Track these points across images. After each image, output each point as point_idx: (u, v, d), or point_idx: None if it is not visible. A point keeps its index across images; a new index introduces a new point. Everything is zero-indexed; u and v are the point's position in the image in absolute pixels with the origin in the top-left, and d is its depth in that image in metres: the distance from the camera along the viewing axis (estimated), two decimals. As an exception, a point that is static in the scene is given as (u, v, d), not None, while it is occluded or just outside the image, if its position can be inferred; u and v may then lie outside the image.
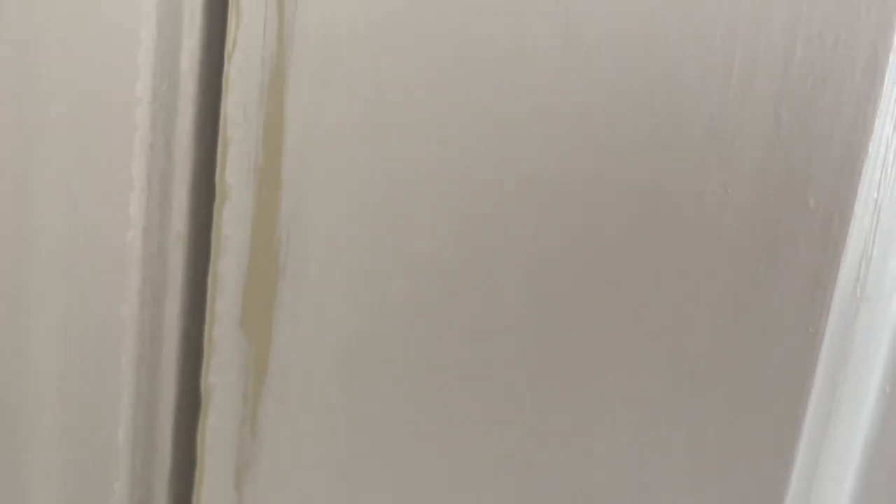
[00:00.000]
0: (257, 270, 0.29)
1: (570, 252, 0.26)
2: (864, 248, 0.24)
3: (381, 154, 0.27)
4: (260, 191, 0.29)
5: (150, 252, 0.28)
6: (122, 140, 0.27)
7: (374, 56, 0.27)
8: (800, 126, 0.23)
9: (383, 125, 0.27)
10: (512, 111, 0.26)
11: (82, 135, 0.27)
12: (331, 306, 0.29)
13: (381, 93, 0.27)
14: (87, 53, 0.27)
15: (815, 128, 0.23)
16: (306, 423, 0.30)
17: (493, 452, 0.28)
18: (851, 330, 0.24)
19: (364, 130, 0.27)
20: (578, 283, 0.26)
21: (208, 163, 0.29)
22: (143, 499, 0.31)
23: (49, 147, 0.27)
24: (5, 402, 0.30)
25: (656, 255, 0.25)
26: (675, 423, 0.26)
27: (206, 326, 0.30)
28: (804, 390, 0.24)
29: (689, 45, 0.24)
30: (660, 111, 0.24)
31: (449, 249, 0.28)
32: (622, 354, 0.26)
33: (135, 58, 0.26)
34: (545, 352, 0.27)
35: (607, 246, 0.26)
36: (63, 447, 0.29)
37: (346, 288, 0.29)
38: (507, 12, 0.25)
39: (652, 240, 0.25)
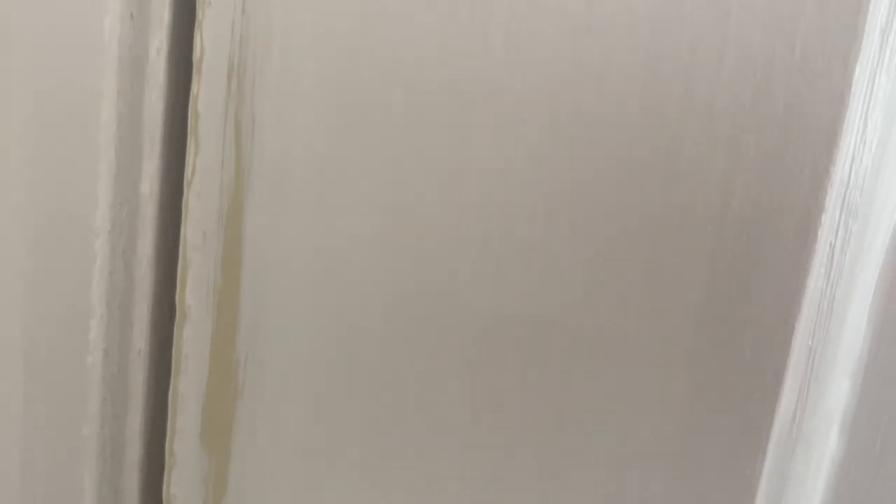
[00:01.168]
0: (216, 388, 0.30)
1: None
2: (799, 392, 0.25)
3: (335, 281, 0.28)
4: (219, 312, 0.29)
5: (110, 372, 0.29)
6: (80, 269, 0.27)
7: (328, 185, 0.27)
8: (735, 279, 0.24)
9: (338, 252, 0.28)
10: (454, 223, 0.27)
11: (39, 263, 0.28)
12: (288, 425, 0.30)
13: (336, 221, 0.28)
14: (45, 185, 0.27)
15: (750, 280, 0.24)
16: (266, 534, 0.31)
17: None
18: (788, 469, 0.25)
19: (319, 256, 0.28)
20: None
21: (169, 281, 0.30)
22: None
23: (5, 276, 0.28)
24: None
25: (593, 400, 0.25)
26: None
27: (167, 440, 0.31)
28: (743, 528, 0.25)
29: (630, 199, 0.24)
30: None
31: (399, 362, 0.28)
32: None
33: (94, 189, 0.27)
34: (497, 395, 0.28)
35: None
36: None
37: (302, 408, 0.29)
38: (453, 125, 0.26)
39: (594, 389, 0.25)
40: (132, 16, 0.26)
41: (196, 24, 0.28)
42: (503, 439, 0.27)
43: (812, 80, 0.23)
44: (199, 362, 0.30)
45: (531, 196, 0.26)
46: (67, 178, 0.27)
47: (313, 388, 0.29)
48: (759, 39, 0.23)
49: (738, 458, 0.25)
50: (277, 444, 0.30)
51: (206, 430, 0.30)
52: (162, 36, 0.27)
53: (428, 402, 0.28)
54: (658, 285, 0.25)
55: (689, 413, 0.25)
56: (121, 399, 0.30)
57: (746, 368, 0.24)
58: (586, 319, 0.26)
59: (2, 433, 0.29)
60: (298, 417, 0.29)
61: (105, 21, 0.26)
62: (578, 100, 0.24)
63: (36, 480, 0.29)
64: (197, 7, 0.27)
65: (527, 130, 0.25)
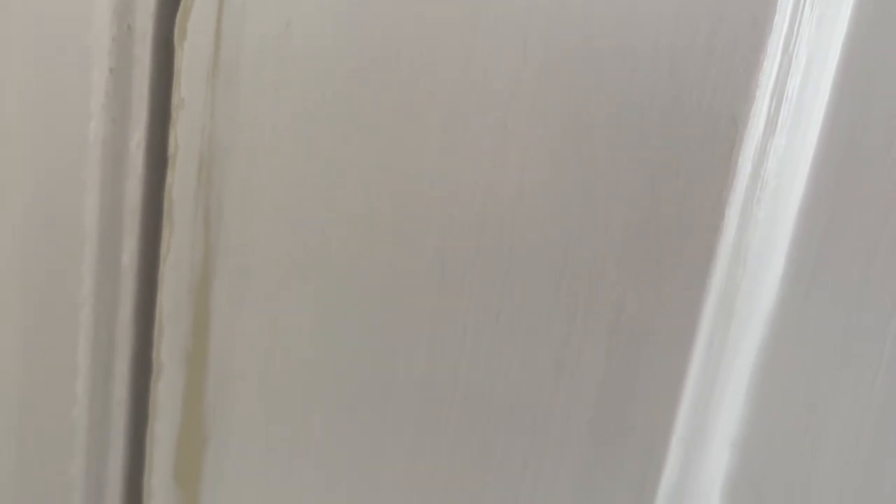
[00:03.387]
0: (187, 435, 0.34)
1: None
2: (683, 459, 0.29)
3: (288, 351, 0.32)
4: (189, 370, 0.33)
5: (94, 420, 0.33)
6: (68, 335, 0.31)
7: (285, 269, 0.31)
8: (628, 360, 0.28)
9: (291, 329, 0.32)
10: (401, 312, 0.31)
11: (31, 332, 0.32)
12: (251, 468, 0.34)
13: (290, 304, 0.32)
14: (37, 268, 0.31)
15: (639, 366, 0.28)
16: (231, 560, 0.35)
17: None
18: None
19: (276, 331, 0.32)
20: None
21: (146, 340, 0.34)
22: None
23: (4, 345, 0.32)
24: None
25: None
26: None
27: (145, 477, 0.35)
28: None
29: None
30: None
31: (346, 425, 0.32)
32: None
33: (80, 269, 0.31)
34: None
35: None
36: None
37: (265, 455, 0.33)
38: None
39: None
40: (114, 119, 0.30)
41: (171, 123, 0.31)
42: (438, 486, 0.32)
43: (693, 206, 0.27)
44: (173, 412, 0.34)
45: (462, 282, 0.30)
46: (56, 259, 0.31)
47: (274, 440, 0.33)
48: (651, 173, 0.27)
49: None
50: (240, 483, 0.34)
51: (179, 470, 0.35)
52: (141, 133, 0.31)
53: (366, 452, 0.32)
54: (565, 371, 0.29)
55: (589, 478, 0.29)
56: (104, 442, 0.34)
57: (637, 441, 0.28)
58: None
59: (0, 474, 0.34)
60: (261, 462, 0.34)
61: (90, 125, 0.30)
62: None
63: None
64: (172, 109, 0.31)
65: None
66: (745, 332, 0.28)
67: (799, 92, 0.26)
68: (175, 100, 0.31)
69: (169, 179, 0.32)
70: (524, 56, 0.28)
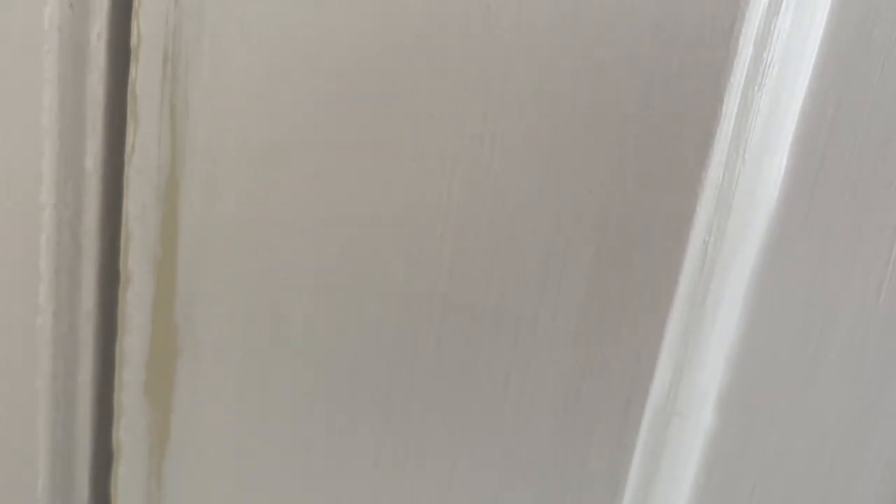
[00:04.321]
0: (158, 347, 0.32)
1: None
2: (674, 371, 0.27)
3: (262, 254, 0.30)
4: (158, 279, 0.32)
5: (60, 332, 0.32)
6: (28, 240, 0.30)
7: (257, 166, 0.30)
8: (616, 273, 0.26)
9: (265, 230, 0.30)
10: (372, 206, 0.29)
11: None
12: (222, 381, 0.32)
13: (263, 203, 0.30)
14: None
15: (630, 273, 0.26)
16: (204, 476, 0.34)
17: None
18: (662, 442, 0.28)
19: (248, 233, 0.30)
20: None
21: (114, 249, 0.32)
22: (62, 539, 0.34)
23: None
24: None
25: (491, 374, 0.28)
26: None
27: (115, 392, 0.33)
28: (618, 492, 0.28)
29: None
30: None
31: (323, 332, 0.31)
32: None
33: (38, 167, 0.29)
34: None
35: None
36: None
37: (235, 367, 0.32)
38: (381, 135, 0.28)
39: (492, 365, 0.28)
40: (71, 5, 0.28)
41: (133, 12, 0.29)
42: (416, 404, 0.30)
43: (688, 93, 0.25)
44: (143, 323, 0.32)
45: (440, 182, 0.28)
46: (14, 157, 0.29)
47: (244, 350, 0.32)
48: (645, 54, 0.25)
49: (614, 430, 0.27)
50: (214, 397, 0.33)
51: (150, 384, 0.33)
52: (102, 23, 0.29)
53: (344, 362, 0.31)
54: (550, 277, 0.27)
55: (575, 390, 0.28)
56: (72, 355, 0.33)
57: (624, 350, 0.27)
58: (490, 300, 0.28)
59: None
60: (232, 375, 0.32)
61: (45, 10, 0.28)
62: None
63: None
64: (133, -4, 0.29)
65: (435, 125, 0.27)
66: (744, 233, 0.26)
67: (807, -34, 0.24)
68: (137, -14, 0.29)
69: (132, 74, 0.30)
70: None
